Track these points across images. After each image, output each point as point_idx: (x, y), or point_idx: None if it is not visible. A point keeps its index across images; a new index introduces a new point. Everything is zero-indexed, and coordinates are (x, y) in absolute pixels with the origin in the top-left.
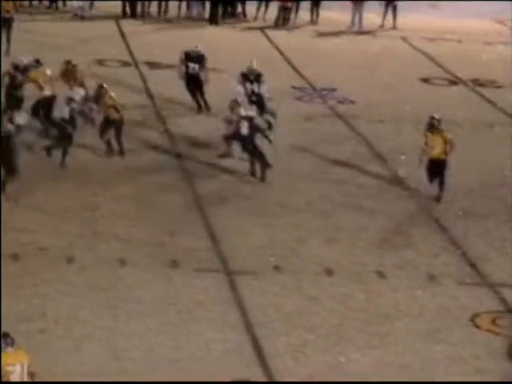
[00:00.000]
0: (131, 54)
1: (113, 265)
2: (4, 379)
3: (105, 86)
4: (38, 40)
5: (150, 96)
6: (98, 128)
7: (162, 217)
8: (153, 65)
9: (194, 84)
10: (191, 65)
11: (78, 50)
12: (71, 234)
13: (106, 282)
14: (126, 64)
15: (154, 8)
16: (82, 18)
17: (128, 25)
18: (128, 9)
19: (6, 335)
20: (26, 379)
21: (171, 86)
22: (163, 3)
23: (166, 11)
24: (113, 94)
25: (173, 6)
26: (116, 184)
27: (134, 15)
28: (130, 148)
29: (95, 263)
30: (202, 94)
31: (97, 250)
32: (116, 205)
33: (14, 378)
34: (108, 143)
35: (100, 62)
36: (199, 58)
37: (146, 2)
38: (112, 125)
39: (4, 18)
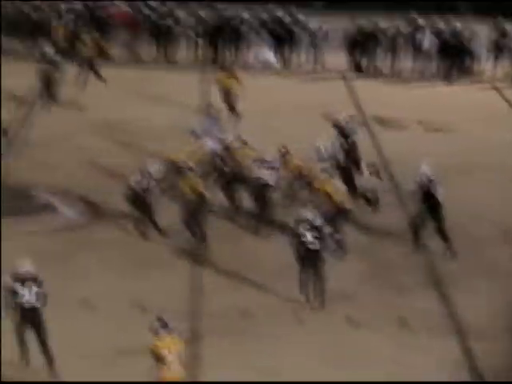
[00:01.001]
0: (361, 110)
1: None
2: (165, 362)
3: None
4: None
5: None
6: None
7: (391, 275)
8: (383, 123)
9: None
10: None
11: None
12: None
13: (337, 341)
14: None
15: (382, 63)
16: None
17: (357, 81)
18: (355, 64)
19: (161, 319)
20: (180, 364)
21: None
22: (392, 59)
23: (395, 67)
24: None
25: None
26: None
27: (362, 71)
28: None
29: (325, 322)
30: None
31: (325, 311)
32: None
33: (171, 362)
34: None
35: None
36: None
37: (374, 57)
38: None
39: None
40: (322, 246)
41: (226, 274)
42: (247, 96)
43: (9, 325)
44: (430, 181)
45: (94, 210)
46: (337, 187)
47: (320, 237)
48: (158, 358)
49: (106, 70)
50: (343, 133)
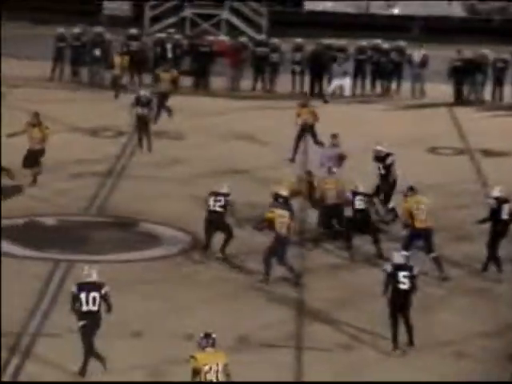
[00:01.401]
0: (465, 141)
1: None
2: (201, 378)
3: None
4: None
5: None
6: None
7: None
8: (487, 153)
9: None
10: None
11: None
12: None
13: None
14: (460, 152)
15: (487, 94)
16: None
17: (461, 111)
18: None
19: (208, 335)
20: (221, 379)
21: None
22: (498, 89)
23: (501, 97)
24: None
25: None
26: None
27: (463, 100)
28: None
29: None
30: None
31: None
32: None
33: (211, 377)
34: None
35: (433, 150)
36: None
37: (479, 87)
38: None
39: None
40: (412, 287)
41: (326, 308)
42: (351, 129)
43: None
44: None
45: (195, 241)
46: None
47: (411, 276)
48: (195, 372)
49: (204, 100)
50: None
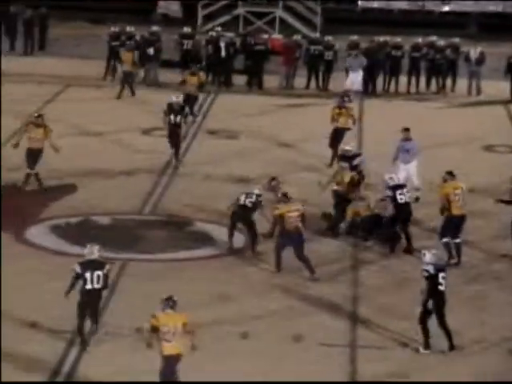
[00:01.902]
0: None
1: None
2: (160, 339)
3: None
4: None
5: None
6: None
7: None
8: None
9: None
10: None
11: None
12: (461, 321)
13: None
14: None
15: None
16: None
17: None
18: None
19: (169, 298)
20: (179, 340)
21: None
22: None
23: None
24: None
25: None
26: None
27: None
28: None
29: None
30: None
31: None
32: (504, 294)
33: (169, 337)
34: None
35: (489, 148)
36: None
37: None
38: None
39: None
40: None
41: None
42: (412, 127)
43: None
44: None
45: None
46: None
47: (445, 276)
48: (153, 329)
49: (257, 99)
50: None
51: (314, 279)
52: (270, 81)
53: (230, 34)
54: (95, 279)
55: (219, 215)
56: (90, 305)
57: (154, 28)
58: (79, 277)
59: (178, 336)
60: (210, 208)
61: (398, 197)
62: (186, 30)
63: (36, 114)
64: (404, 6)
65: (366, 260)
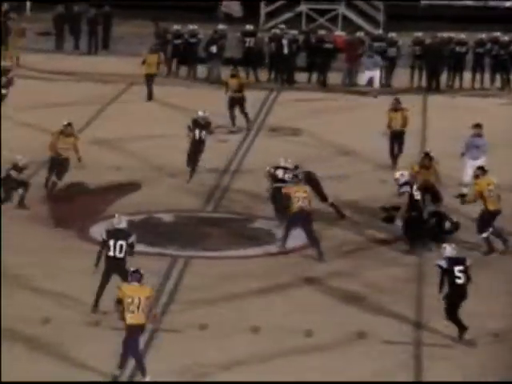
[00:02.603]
0: None
1: None
2: (125, 310)
3: None
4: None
5: None
6: None
7: None
8: None
9: None
10: None
11: None
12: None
13: None
14: None
15: None
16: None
17: None
18: None
19: (136, 271)
20: (142, 312)
21: None
22: None
23: None
24: None
25: None
26: None
27: None
28: None
29: None
30: None
31: None
32: None
33: (132, 308)
34: None
35: None
36: None
37: None
38: None
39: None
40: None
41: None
42: (470, 123)
43: None
44: None
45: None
46: None
47: (465, 270)
48: (118, 301)
49: (320, 96)
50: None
51: (321, 260)
52: (333, 78)
53: (292, 32)
54: (118, 248)
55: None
56: (111, 272)
57: (220, 26)
58: (105, 243)
59: (142, 308)
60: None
61: (415, 193)
62: (249, 27)
63: (65, 123)
64: (467, 1)
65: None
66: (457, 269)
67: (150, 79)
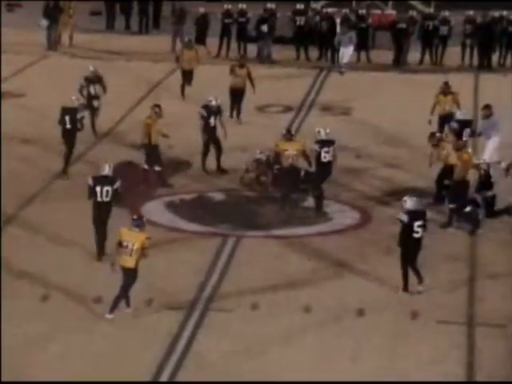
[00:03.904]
0: None
1: None
2: (119, 253)
3: None
4: None
5: None
6: None
7: None
8: None
9: None
10: None
11: None
12: None
13: None
14: None
15: None
16: None
17: None
18: None
19: (138, 218)
20: (133, 257)
21: None
22: None
23: None
24: None
25: None
26: None
27: None
28: None
29: None
30: None
31: None
32: None
33: (126, 251)
34: None
35: None
36: None
37: None
38: None
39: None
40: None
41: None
42: None
43: None
44: None
45: (364, 217)
46: None
47: (424, 224)
48: (118, 245)
49: (369, 75)
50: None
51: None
52: (383, 55)
53: (345, 10)
54: (104, 193)
55: (333, 191)
56: (100, 217)
57: (269, 5)
58: (91, 190)
59: (133, 253)
60: (324, 185)
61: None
62: (299, 6)
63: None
64: None
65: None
66: (416, 224)
67: (187, 76)
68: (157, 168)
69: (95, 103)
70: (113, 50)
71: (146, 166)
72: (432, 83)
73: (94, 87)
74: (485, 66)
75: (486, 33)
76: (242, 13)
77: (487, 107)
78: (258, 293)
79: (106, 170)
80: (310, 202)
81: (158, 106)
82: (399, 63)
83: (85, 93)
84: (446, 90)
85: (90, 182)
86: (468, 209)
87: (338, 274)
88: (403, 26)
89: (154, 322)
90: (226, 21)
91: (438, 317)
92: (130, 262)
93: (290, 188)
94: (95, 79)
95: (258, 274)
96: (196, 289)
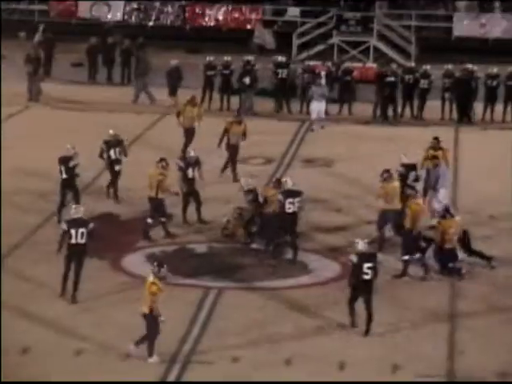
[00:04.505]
0: None
1: None
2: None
3: None
4: None
5: None
6: None
7: None
8: None
9: None
10: None
11: None
12: None
13: None
14: None
15: None
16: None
17: None
18: None
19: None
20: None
21: None
22: None
23: None
24: None
25: None
26: None
27: None
28: None
29: None
30: None
31: None
32: None
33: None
34: None
35: None
36: None
37: None
38: None
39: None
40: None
41: None
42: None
43: None
44: None
45: (344, 270)
46: None
47: (374, 266)
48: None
49: (351, 128)
50: None
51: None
52: (364, 109)
53: (328, 63)
54: (79, 235)
55: (315, 245)
56: (75, 258)
57: (249, 57)
58: (66, 233)
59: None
60: (306, 237)
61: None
62: (281, 59)
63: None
64: (499, 34)
65: None
66: (366, 266)
67: (189, 133)
68: (162, 219)
69: (116, 167)
70: (94, 101)
71: (149, 220)
72: (413, 137)
73: (115, 151)
74: (463, 120)
75: (463, 87)
76: (227, 65)
77: (435, 157)
78: (239, 346)
79: (80, 213)
80: (289, 253)
81: (163, 159)
82: (388, 118)
83: (105, 156)
84: (436, 145)
85: (64, 226)
86: (417, 255)
87: (320, 327)
88: (392, 79)
89: (135, 375)
90: (209, 73)
91: (419, 370)
92: (143, 308)
93: (276, 234)
94: (115, 143)
95: (240, 327)
96: (177, 341)
